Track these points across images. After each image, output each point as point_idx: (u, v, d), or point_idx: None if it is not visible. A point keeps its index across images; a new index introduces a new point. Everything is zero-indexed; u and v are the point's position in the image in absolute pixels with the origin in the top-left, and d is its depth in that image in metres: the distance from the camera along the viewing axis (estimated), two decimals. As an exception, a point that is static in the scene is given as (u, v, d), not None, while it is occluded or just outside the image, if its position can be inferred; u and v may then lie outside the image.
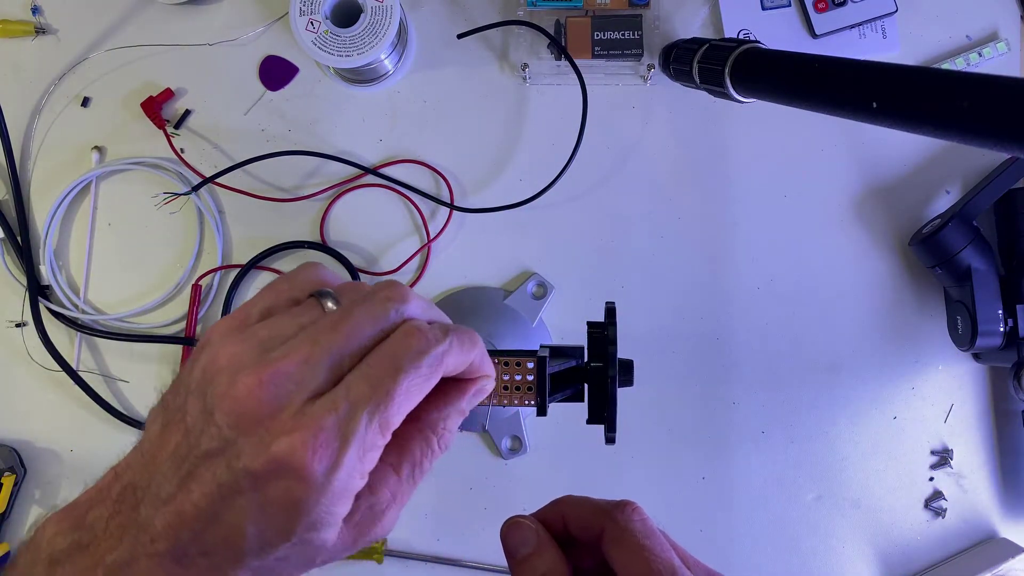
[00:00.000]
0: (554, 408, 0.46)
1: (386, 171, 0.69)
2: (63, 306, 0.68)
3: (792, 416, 0.67)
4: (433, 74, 0.70)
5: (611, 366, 0.45)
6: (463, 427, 0.67)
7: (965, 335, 0.63)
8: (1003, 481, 0.67)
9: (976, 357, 0.67)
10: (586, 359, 0.47)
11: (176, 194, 0.67)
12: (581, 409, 0.47)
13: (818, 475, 0.67)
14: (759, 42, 0.54)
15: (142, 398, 0.68)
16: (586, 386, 0.47)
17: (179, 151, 0.69)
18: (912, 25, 0.69)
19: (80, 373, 0.67)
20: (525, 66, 0.67)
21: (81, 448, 0.68)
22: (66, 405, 0.68)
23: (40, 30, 0.70)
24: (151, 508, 0.27)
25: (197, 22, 0.70)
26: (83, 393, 0.66)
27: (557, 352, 0.48)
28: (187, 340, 0.67)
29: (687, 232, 0.68)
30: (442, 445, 0.33)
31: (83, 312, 0.68)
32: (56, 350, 0.66)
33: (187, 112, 0.70)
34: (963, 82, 0.36)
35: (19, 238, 0.68)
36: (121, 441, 0.67)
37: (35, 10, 0.70)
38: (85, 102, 0.70)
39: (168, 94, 0.69)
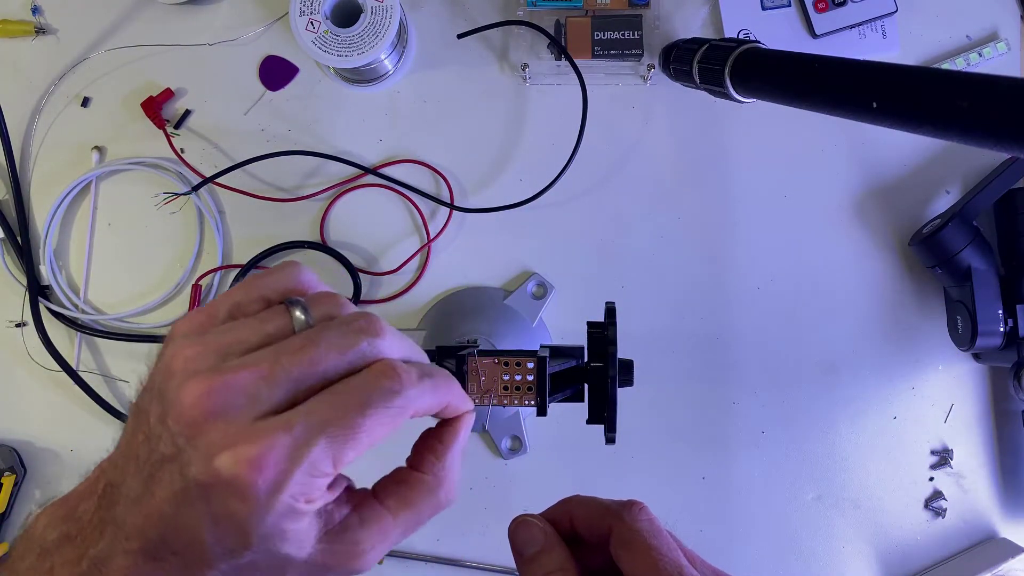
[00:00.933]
0: (554, 408, 0.46)
1: (386, 171, 0.69)
2: (63, 306, 0.68)
3: (792, 416, 0.67)
4: (433, 74, 0.70)
5: (611, 366, 0.45)
6: (463, 427, 0.67)
7: (965, 335, 0.63)
8: (1003, 481, 0.67)
9: (976, 357, 0.68)
10: (586, 359, 0.47)
11: (176, 194, 0.67)
12: (581, 409, 0.47)
13: (818, 475, 0.67)
14: (759, 42, 0.54)
15: (142, 398, 0.68)
16: (586, 386, 0.47)
17: (179, 151, 0.69)
18: (912, 25, 0.69)
19: (80, 373, 0.67)
20: (525, 66, 0.67)
21: (81, 448, 0.68)
22: (66, 405, 0.68)
23: (40, 30, 0.70)
24: (124, 507, 0.27)
25: (197, 22, 0.70)
26: (83, 393, 0.66)
27: (557, 352, 0.48)
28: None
29: (687, 232, 0.68)
30: (446, 495, 0.32)
31: (83, 312, 0.68)
32: (56, 350, 0.66)
33: (187, 112, 0.70)
34: (963, 82, 0.36)
35: (19, 238, 0.68)
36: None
37: (35, 10, 0.70)
38: (85, 102, 0.70)
39: (168, 94, 0.69)
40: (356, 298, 0.67)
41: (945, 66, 0.68)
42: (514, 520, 0.33)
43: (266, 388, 0.26)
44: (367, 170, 0.68)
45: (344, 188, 0.69)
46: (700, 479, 0.67)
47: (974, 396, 0.67)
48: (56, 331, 0.68)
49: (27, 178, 0.70)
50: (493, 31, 0.68)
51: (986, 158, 0.67)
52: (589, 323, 0.48)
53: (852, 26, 0.68)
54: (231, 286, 0.67)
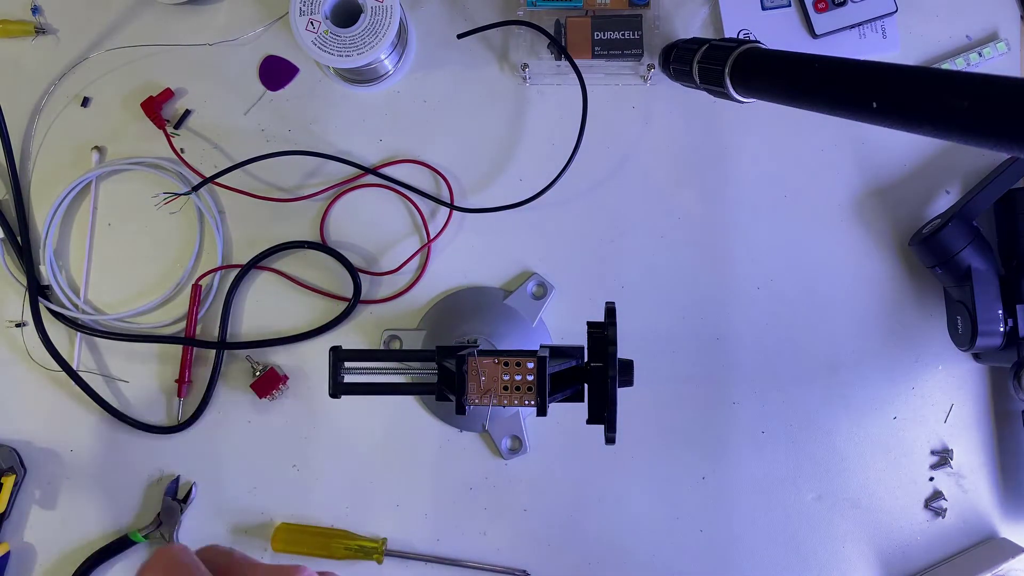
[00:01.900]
0: (554, 408, 0.46)
1: (386, 171, 0.69)
2: (63, 306, 0.68)
3: (792, 416, 0.67)
4: (433, 74, 0.70)
5: (611, 366, 0.45)
6: (463, 427, 0.67)
7: (965, 335, 0.63)
8: (1003, 481, 0.67)
9: (976, 357, 0.68)
10: (586, 359, 0.48)
11: (176, 194, 0.67)
12: (581, 409, 0.47)
13: (818, 475, 0.67)
14: (759, 42, 0.54)
15: (142, 398, 0.68)
16: (586, 386, 0.47)
17: (179, 151, 0.69)
18: (912, 25, 0.69)
19: (80, 373, 0.67)
20: (525, 66, 0.67)
21: (81, 448, 0.68)
22: (66, 405, 0.68)
23: (40, 30, 0.70)
24: None
25: (197, 22, 0.70)
26: (83, 393, 0.66)
27: (557, 352, 0.48)
28: (186, 340, 0.67)
29: (687, 232, 0.68)
30: None
31: (83, 312, 0.68)
32: (56, 350, 0.66)
33: (187, 112, 0.70)
34: (963, 82, 0.36)
35: (19, 238, 0.68)
36: (121, 441, 0.67)
37: (35, 10, 0.70)
38: (85, 102, 0.70)
39: (168, 94, 0.69)
40: (356, 297, 0.67)
41: (945, 66, 0.68)
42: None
43: None
44: (367, 170, 0.68)
45: (344, 188, 0.69)
46: (700, 479, 0.67)
47: (974, 396, 0.67)
48: (56, 331, 0.68)
49: (27, 178, 0.70)
50: (493, 31, 0.68)
51: (986, 158, 0.68)
52: (589, 323, 0.48)
53: (852, 26, 0.68)
54: (231, 286, 0.67)
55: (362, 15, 0.63)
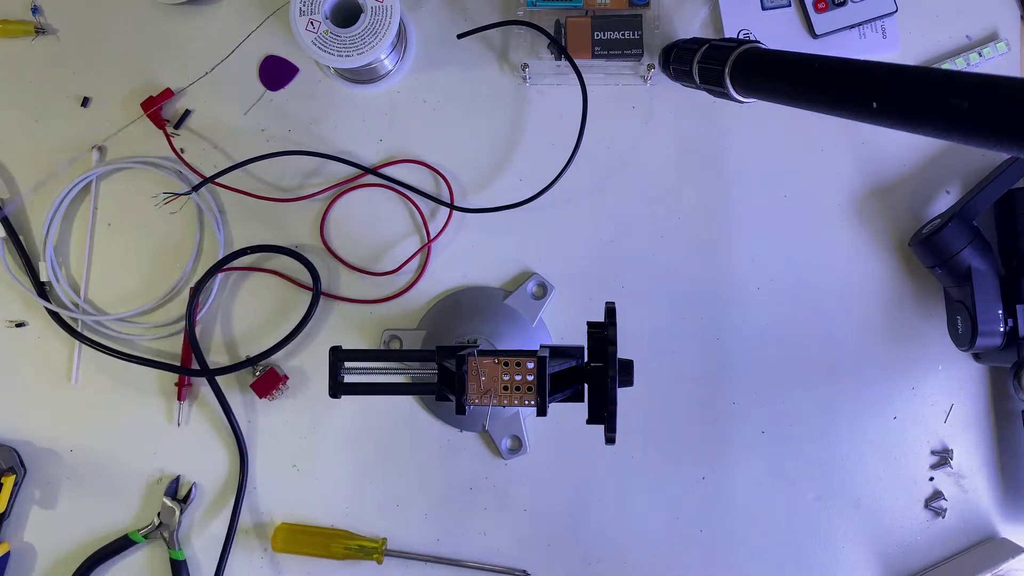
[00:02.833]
0: (554, 408, 0.46)
1: (386, 171, 0.69)
2: (63, 306, 0.68)
3: (792, 416, 0.67)
4: (433, 74, 0.70)
5: (611, 366, 0.45)
6: (463, 427, 0.67)
7: (965, 335, 0.63)
8: (1003, 481, 0.67)
9: (976, 357, 0.68)
10: (586, 359, 0.48)
11: (176, 194, 0.67)
12: (581, 409, 0.47)
13: (818, 475, 0.67)
14: (759, 42, 0.54)
15: (142, 398, 0.68)
16: (586, 386, 0.47)
17: (179, 151, 0.69)
18: (912, 25, 0.69)
19: (80, 373, 0.67)
20: (525, 66, 0.67)
21: (81, 448, 0.68)
22: (66, 405, 0.68)
23: (40, 30, 0.70)
24: None
25: (197, 22, 0.70)
26: (83, 393, 0.66)
27: (557, 352, 0.48)
28: (178, 368, 0.67)
29: (687, 232, 0.68)
30: None
31: (83, 311, 0.68)
32: (56, 350, 0.66)
33: (187, 112, 0.70)
34: (963, 82, 0.36)
35: (19, 237, 0.68)
36: (120, 440, 0.67)
37: (35, 10, 0.70)
38: (85, 102, 0.70)
39: (168, 94, 0.69)
40: (316, 293, 0.67)
41: (945, 66, 0.68)
42: None
43: None
44: (367, 170, 0.68)
45: (344, 188, 0.69)
46: (700, 479, 0.67)
47: (974, 396, 0.67)
48: (56, 331, 0.68)
49: (27, 177, 0.70)
50: (493, 31, 0.68)
51: (986, 158, 0.68)
52: (589, 323, 0.48)
53: (852, 26, 0.68)
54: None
55: (362, 15, 0.63)
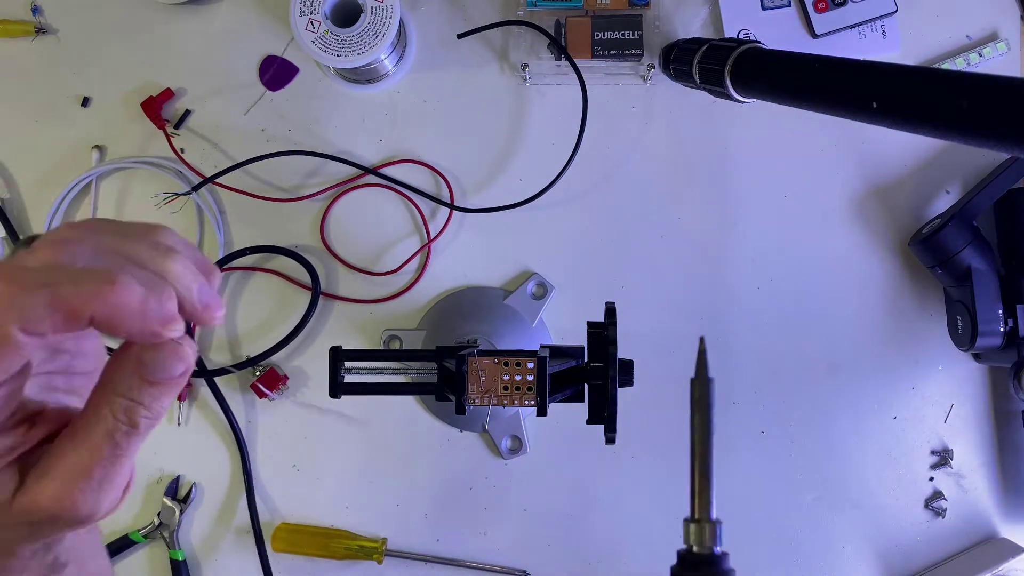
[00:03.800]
0: (554, 408, 0.46)
1: (386, 171, 0.69)
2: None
3: (792, 416, 0.67)
4: (433, 74, 0.70)
5: (611, 366, 0.45)
6: (463, 427, 0.67)
7: (965, 335, 0.63)
8: (1003, 481, 0.67)
9: (976, 357, 0.67)
10: (586, 359, 0.48)
11: (177, 194, 0.67)
12: (581, 409, 0.47)
13: (818, 475, 0.67)
14: (759, 42, 0.54)
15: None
16: (586, 386, 0.47)
17: (179, 151, 0.69)
18: (912, 25, 0.69)
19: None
20: (525, 66, 0.67)
21: (81, 448, 0.68)
22: (66, 405, 0.68)
23: (40, 30, 0.70)
24: None
25: (197, 22, 0.70)
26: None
27: (557, 352, 0.48)
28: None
29: (687, 232, 0.68)
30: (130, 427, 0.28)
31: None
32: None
33: (187, 112, 0.70)
34: (963, 82, 0.36)
35: (20, 238, 0.68)
36: (121, 441, 0.67)
37: (35, 10, 0.70)
38: (85, 102, 0.70)
39: (168, 94, 0.69)
40: (316, 294, 0.67)
41: (945, 66, 0.68)
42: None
43: None
44: (367, 170, 0.68)
45: (344, 188, 0.69)
46: (700, 479, 0.67)
47: (974, 396, 0.67)
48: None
49: (27, 178, 0.70)
50: (493, 31, 0.68)
51: (986, 158, 0.67)
52: (589, 323, 0.48)
53: (852, 26, 0.68)
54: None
55: (362, 15, 0.63)
